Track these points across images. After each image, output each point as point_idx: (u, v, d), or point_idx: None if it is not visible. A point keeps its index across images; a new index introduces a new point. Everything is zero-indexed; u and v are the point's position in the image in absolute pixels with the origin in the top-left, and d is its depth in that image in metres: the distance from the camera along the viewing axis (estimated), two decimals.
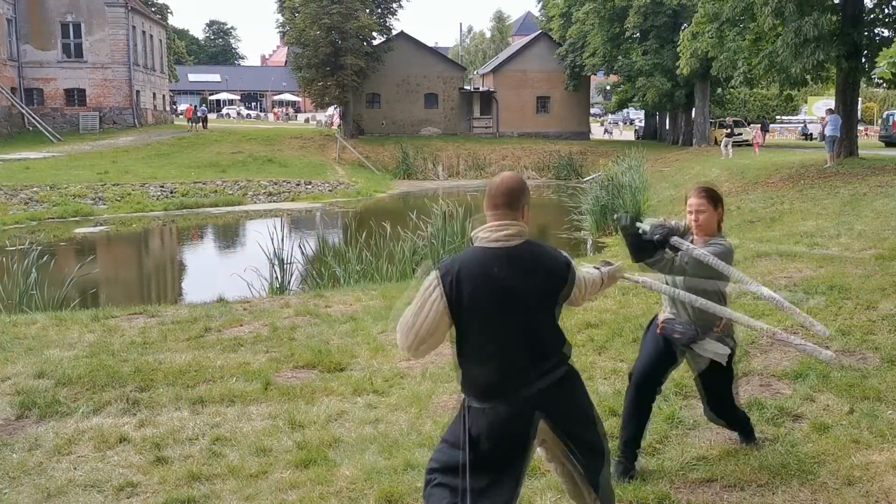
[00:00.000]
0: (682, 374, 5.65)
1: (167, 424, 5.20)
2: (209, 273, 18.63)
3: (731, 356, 4.28)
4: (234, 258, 20.22)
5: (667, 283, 4.16)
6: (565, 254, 3.12)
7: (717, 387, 4.36)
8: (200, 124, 49.12)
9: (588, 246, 19.89)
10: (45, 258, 13.67)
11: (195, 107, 52.75)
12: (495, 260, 2.92)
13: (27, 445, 4.89)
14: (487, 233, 2.98)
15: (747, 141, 42.93)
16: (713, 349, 4.15)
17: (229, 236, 26.18)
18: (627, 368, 5.88)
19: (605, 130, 65.95)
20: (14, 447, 4.87)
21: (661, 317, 4.32)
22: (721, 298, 4.16)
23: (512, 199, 2.98)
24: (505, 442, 2.94)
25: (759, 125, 47.41)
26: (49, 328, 7.89)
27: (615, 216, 4.27)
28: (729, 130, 35.23)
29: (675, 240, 3.97)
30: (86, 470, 4.56)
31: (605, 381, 5.74)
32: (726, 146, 33.66)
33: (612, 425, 4.89)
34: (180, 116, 65.16)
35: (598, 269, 3.50)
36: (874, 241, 10.08)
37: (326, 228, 22.83)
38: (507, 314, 2.91)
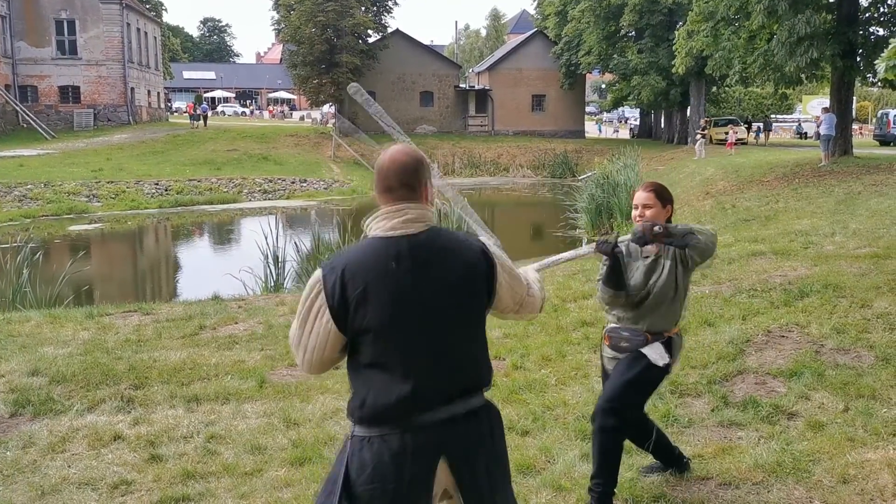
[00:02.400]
0: (677, 373, 5.66)
1: (162, 422, 5.19)
2: (204, 271, 18.59)
3: (664, 370, 3.82)
4: (229, 256, 20.20)
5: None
6: (479, 239, 2.49)
7: (623, 381, 3.81)
8: (202, 122, 49.11)
9: (583, 244, 19.91)
10: (38, 255, 13.63)
11: (195, 105, 52.79)
12: (393, 252, 2.29)
13: (21, 443, 4.87)
14: (381, 220, 2.36)
15: (743, 140, 43.03)
16: (654, 353, 3.75)
17: (224, 234, 26.14)
18: None
19: (615, 130, 66.23)
20: (8, 445, 4.85)
21: (606, 329, 3.97)
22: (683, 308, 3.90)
23: (408, 177, 2.38)
24: (392, 485, 2.24)
25: (741, 124, 47.39)
26: (43, 326, 7.86)
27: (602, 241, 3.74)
28: (702, 132, 35.21)
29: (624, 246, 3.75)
30: (80, 468, 4.55)
31: (600, 378, 5.73)
32: (700, 146, 33.70)
33: None
34: (175, 114, 65.21)
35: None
36: (869, 240, 10.10)
37: (321, 226, 22.81)
38: (409, 320, 2.29)
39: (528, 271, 2.76)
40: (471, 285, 2.37)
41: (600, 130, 65.44)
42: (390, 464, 2.25)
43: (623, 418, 3.76)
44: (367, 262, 2.29)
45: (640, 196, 3.78)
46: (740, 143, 41.92)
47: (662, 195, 3.78)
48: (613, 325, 3.93)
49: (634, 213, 3.81)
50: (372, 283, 2.27)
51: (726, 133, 42.48)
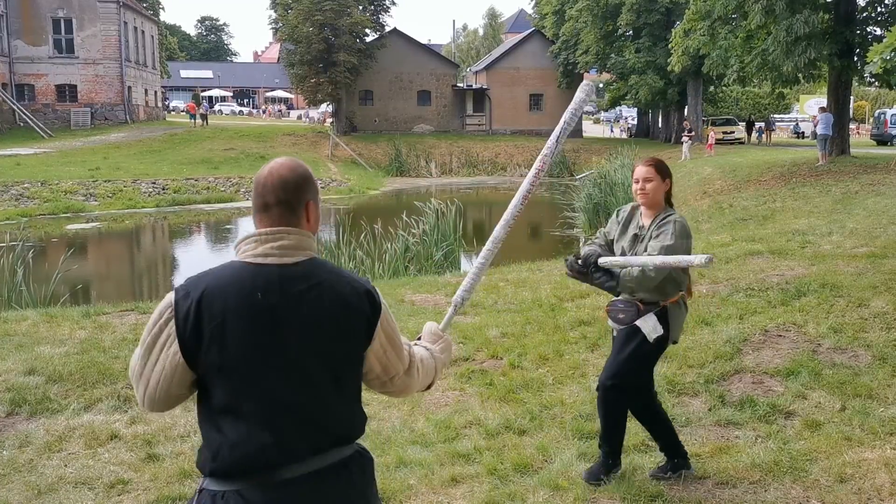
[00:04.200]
0: (674, 372, 5.67)
1: (158, 422, 5.17)
2: (201, 270, 18.55)
3: (662, 341, 3.98)
4: (227, 255, 20.18)
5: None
6: (366, 281, 2.18)
7: (626, 355, 4.03)
8: (201, 120, 49.11)
9: (581, 243, 19.90)
10: (30, 253, 13.60)
11: (196, 104, 52.83)
12: (261, 281, 2.00)
13: (17, 443, 4.86)
14: (252, 243, 2.05)
15: (739, 139, 43.07)
16: (647, 325, 3.92)
17: (221, 233, 26.11)
18: None
19: (622, 129, 65.97)
20: (4, 444, 4.84)
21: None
22: (681, 275, 4.00)
23: (288, 194, 2.06)
24: None
25: (738, 123, 47.36)
26: (40, 325, 7.84)
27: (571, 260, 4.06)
28: (688, 133, 35.25)
29: (602, 261, 3.89)
30: (77, 467, 4.53)
31: (597, 378, 5.73)
32: (686, 148, 33.69)
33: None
34: (172, 112, 65.21)
35: (425, 347, 2.48)
36: (866, 240, 10.11)
37: (319, 226, 22.77)
38: (270, 360, 2.00)
39: (431, 348, 2.48)
40: (345, 329, 2.08)
41: (612, 131, 65.08)
42: None
43: (624, 389, 4.03)
44: (229, 290, 1.99)
45: (641, 170, 3.98)
46: (737, 142, 41.98)
47: (662, 170, 3.99)
48: (613, 298, 4.08)
49: (635, 186, 3.98)
50: (231, 314, 1.97)
51: (724, 133, 42.57)
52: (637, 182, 3.98)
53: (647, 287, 3.89)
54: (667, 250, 3.76)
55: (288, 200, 2.06)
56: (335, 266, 2.17)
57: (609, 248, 4.13)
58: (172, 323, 1.98)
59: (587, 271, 3.94)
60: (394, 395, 2.34)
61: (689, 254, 3.84)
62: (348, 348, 2.10)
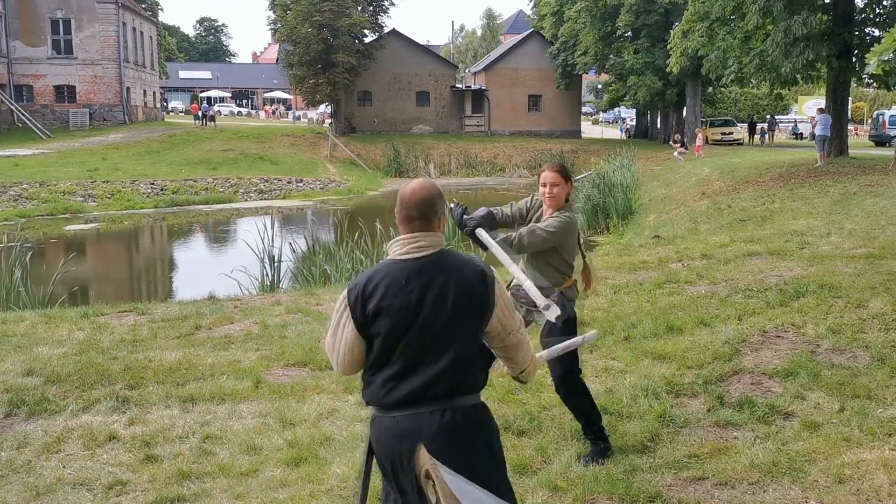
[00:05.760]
0: (673, 373, 5.67)
1: (157, 422, 5.17)
2: (199, 271, 18.56)
3: (568, 323, 4.43)
4: (225, 256, 20.18)
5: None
6: (483, 263, 2.88)
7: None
8: (203, 121, 49.06)
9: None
10: (29, 254, 13.59)
11: (199, 105, 52.80)
12: (405, 271, 2.74)
13: (16, 444, 4.85)
14: (398, 246, 2.81)
15: (738, 140, 43.07)
16: (552, 314, 4.25)
17: (220, 234, 26.10)
18: (619, 366, 5.93)
19: (621, 129, 65.79)
20: (2, 445, 4.84)
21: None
22: (567, 267, 4.58)
23: (426, 211, 2.79)
24: (388, 455, 2.79)
25: (737, 124, 47.32)
26: (38, 326, 7.84)
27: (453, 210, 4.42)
28: (680, 138, 35.20)
29: (479, 234, 4.28)
30: (75, 468, 4.53)
31: (596, 378, 5.74)
32: (680, 154, 33.68)
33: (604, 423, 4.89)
34: (171, 113, 65.15)
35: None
36: (864, 240, 10.11)
37: (317, 226, 22.78)
38: (413, 327, 2.72)
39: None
40: (466, 302, 2.77)
41: (621, 131, 64.81)
42: (387, 440, 2.76)
43: (576, 371, 4.52)
44: (385, 280, 2.74)
45: (548, 176, 4.49)
46: (736, 143, 42.00)
47: (565, 174, 4.53)
48: (513, 283, 4.55)
49: (542, 190, 4.51)
50: (388, 297, 2.71)
51: (723, 133, 42.55)
52: (545, 186, 4.48)
53: (529, 251, 4.45)
54: (544, 229, 4.37)
55: (425, 214, 2.79)
56: (458, 254, 2.88)
57: (520, 217, 4.66)
58: (348, 308, 2.77)
59: (463, 229, 4.36)
60: (511, 355, 3.02)
61: (558, 237, 4.41)
62: (469, 316, 2.78)
